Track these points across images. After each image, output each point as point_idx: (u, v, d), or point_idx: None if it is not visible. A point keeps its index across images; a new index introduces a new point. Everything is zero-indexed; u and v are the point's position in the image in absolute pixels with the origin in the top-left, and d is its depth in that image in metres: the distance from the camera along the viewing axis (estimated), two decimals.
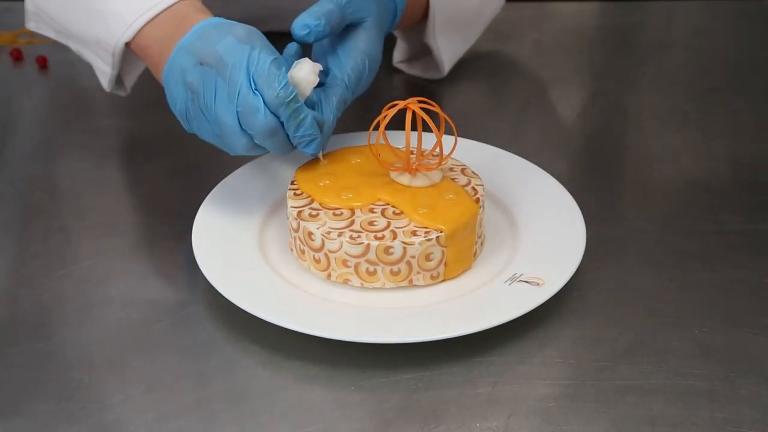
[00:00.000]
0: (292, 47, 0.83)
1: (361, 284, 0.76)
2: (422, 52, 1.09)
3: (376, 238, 0.75)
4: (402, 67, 1.12)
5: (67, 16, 0.93)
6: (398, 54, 1.11)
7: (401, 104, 0.78)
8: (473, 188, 0.80)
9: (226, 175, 0.87)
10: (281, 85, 0.75)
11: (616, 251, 0.83)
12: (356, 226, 0.76)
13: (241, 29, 0.77)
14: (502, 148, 0.92)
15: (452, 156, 0.81)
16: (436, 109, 0.78)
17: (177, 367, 0.72)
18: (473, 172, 0.82)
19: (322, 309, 0.74)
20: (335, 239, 0.75)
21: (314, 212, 0.78)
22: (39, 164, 0.97)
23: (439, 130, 0.78)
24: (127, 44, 0.88)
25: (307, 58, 0.80)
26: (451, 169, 0.82)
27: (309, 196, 0.79)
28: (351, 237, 0.75)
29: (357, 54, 0.83)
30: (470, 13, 1.08)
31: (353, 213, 0.77)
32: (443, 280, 0.77)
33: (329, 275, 0.77)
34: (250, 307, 0.73)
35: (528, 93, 1.13)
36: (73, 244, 0.85)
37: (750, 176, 0.95)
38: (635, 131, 1.05)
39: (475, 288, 0.76)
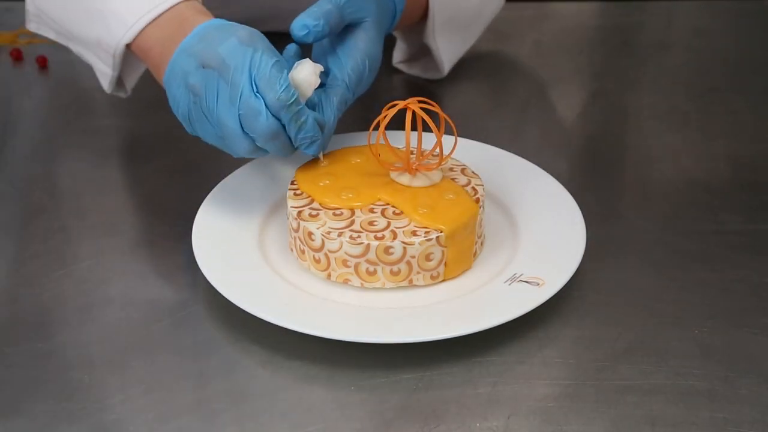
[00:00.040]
0: (291, 48, 0.83)
1: (361, 284, 0.76)
2: (422, 52, 1.09)
3: (376, 238, 0.75)
4: (402, 67, 1.12)
5: (68, 17, 0.93)
6: (398, 54, 1.11)
7: (401, 104, 0.78)
8: (473, 188, 0.80)
9: (226, 175, 0.87)
10: (282, 88, 0.75)
11: (616, 251, 0.83)
12: (356, 226, 0.76)
13: (244, 31, 0.77)
14: (502, 148, 0.92)
15: (452, 156, 0.81)
16: (436, 109, 0.78)
17: (177, 367, 0.72)
18: (473, 172, 0.82)
19: (322, 309, 0.74)
20: (335, 239, 0.75)
21: (314, 212, 0.78)
22: (39, 164, 0.97)
23: (439, 130, 0.78)
24: (128, 46, 0.88)
25: (308, 59, 0.80)
26: (451, 169, 0.82)
27: (309, 196, 0.79)
28: (351, 237, 0.75)
29: (357, 54, 0.83)
30: (470, 13, 1.08)
31: (353, 213, 0.77)
32: (443, 280, 0.77)
33: (329, 275, 0.77)
34: (250, 307, 0.73)
35: (528, 93, 1.13)
36: (73, 244, 0.85)
37: (750, 176, 0.95)
38: (635, 131, 1.04)
39: (475, 288, 0.76)
